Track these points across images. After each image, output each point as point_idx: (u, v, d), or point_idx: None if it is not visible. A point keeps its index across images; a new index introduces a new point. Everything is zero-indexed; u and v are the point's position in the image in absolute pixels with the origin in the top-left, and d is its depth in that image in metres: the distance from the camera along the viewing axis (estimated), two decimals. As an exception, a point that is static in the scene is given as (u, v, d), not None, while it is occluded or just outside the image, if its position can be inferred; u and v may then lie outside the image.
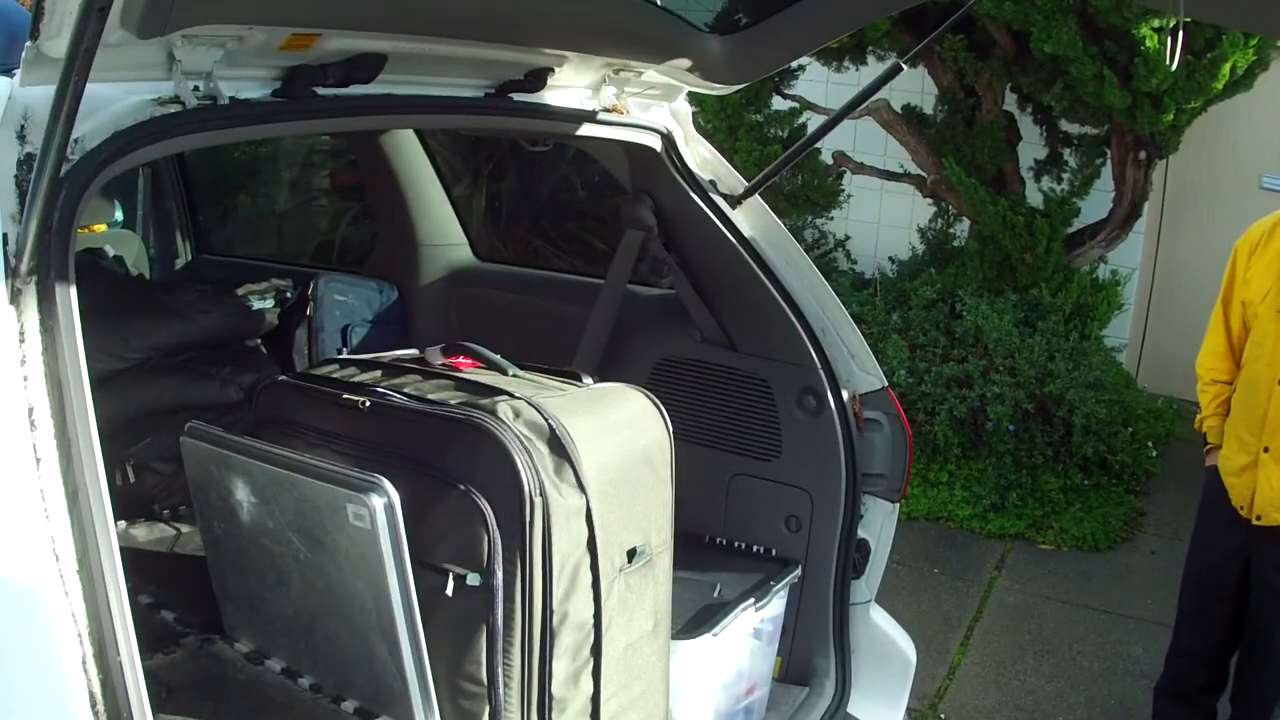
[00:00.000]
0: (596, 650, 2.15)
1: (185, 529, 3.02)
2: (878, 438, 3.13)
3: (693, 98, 3.15)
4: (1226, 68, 6.42)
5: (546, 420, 2.04)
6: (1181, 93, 6.45)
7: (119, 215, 4.83)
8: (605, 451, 2.12)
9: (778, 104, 7.96)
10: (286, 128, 2.24)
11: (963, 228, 8.17)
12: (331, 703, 2.16)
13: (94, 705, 1.49)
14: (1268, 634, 3.89)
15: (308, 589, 2.12)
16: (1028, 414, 6.69)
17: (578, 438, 2.04)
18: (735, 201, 3.10)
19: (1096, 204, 7.70)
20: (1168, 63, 5.59)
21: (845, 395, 3.08)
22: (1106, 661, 5.13)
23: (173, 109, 1.83)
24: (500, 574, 1.97)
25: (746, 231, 3.08)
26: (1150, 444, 7.30)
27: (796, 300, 3.07)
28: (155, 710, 1.60)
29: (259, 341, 3.62)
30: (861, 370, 3.13)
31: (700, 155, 3.13)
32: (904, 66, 2.93)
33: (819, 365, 3.05)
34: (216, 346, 3.42)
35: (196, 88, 1.88)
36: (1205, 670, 4.16)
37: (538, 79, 2.59)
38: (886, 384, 3.15)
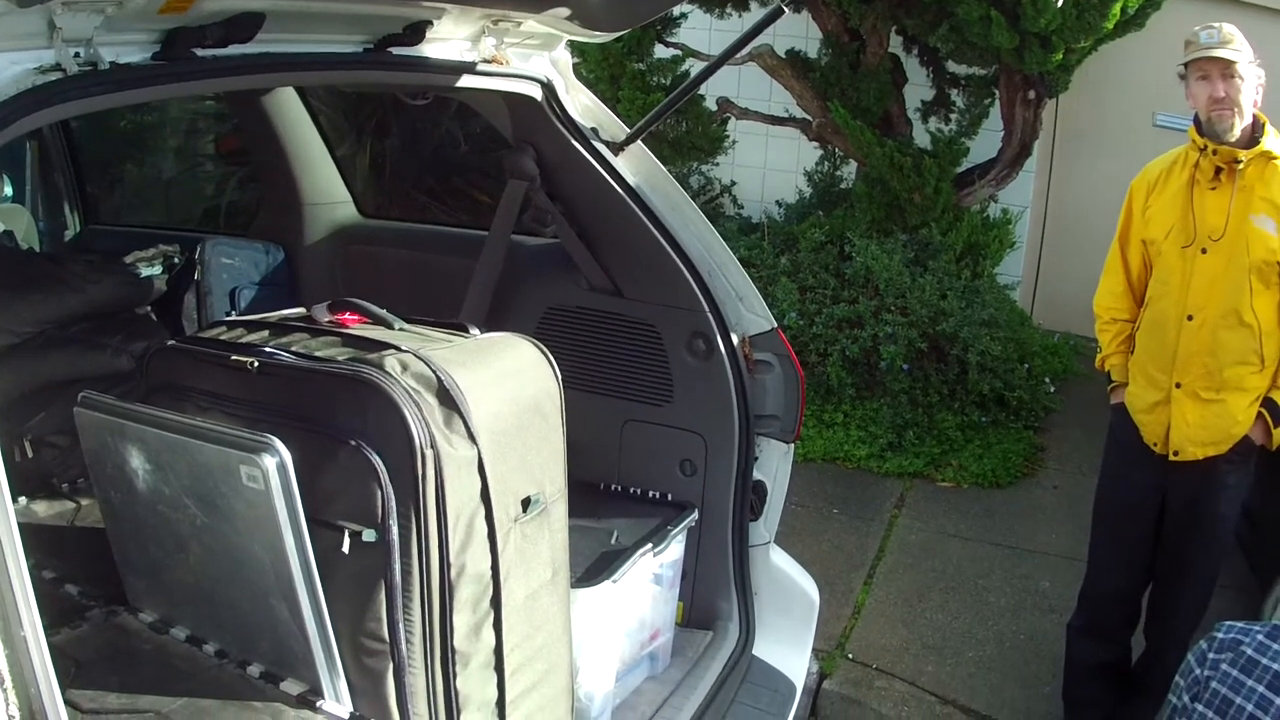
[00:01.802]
0: (496, 602, 2.20)
1: (85, 502, 3.05)
2: (769, 379, 3.20)
3: (575, 48, 3.17)
4: (1117, 7, 6.56)
5: (434, 372, 2.08)
6: (1071, 32, 6.57)
7: (8, 190, 4.79)
8: (495, 401, 2.16)
9: (660, 52, 7.99)
10: (168, 90, 2.25)
11: (850, 170, 8.28)
12: (237, 668, 2.19)
13: (1, 683, 1.51)
14: (1182, 567, 4.03)
15: (206, 554, 2.15)
16: (921, 353, 6.83)
17: (466, 388, 2.09)
18: (618, 149, 3.14)
19: (986, 144, 7.83)
20: (1056, 3, 5.64)
21: (735, 338, 3.14)
22: (1013, 596, 5.24)
23: (54, 76, 1.84)
24: (395, 529, 2.01)
25: (630, 178, 3.13)
26: (1048, 380, 7.48)
27: (682, 245, 3.13)
28: (64, 686, 1.62)
29: (149, 309, 3.65)
30: (750, 313, 3.19)
31: (581, 104, 3.17)
32: (785, 10, 2.98)
33: (707, 309, 3.12)
34: (107, 316, 3.43)
35: (77, 54, 1.89)
36: (1121, 607, 4.27)
37: (416, 32, 2.60)
38: (776, 325, 3.22)
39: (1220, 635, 1.55)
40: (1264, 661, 1.45)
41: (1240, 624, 1.55)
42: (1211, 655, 1.55)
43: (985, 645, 4.86)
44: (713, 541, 3.23)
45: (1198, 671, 1.58)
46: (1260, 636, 1.48)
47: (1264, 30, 8.75)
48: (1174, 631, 4.02)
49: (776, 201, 8.79)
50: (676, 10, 7.18)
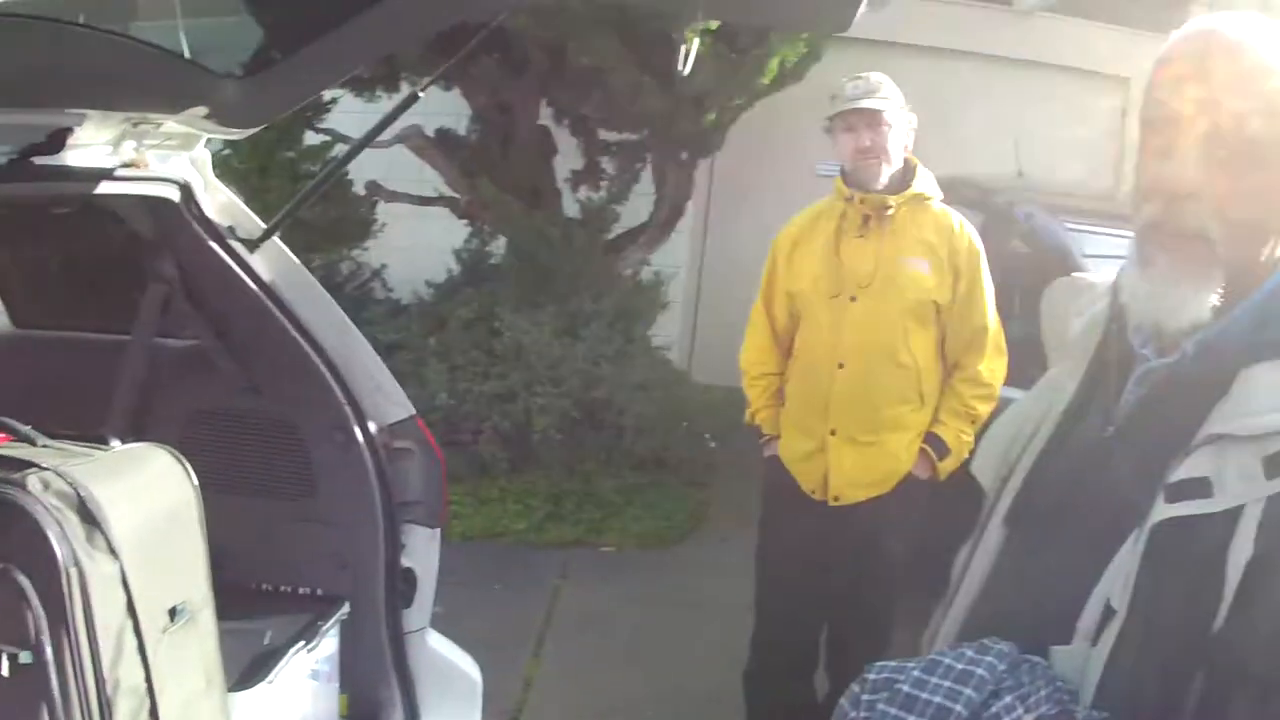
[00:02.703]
0: (154, 713, 2.21)
1: None
2: (410, 466, 3.27)
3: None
4: (775, 62, 6.88)
5: (74, 488, 2.09)
6: (725, 91, 6.84)
7: None
8: (133, 514, 2.19)
9: (310, 139, 7.99)
10: None
11: (500, 246, 8.41)
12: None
13: None
14: (856, 607, 4.20)
15: None
16: (576, 421, 6.97)
17: (105, 503, 2.11)
18: (254, 246, 3.18)
19: (639, 207, 8.09)
20: (680, 69, 5.85)
21: (373, 428, 3.21)
22: (690, 652, 5.32)
23: None
24: (49, 649, 2.00)
25: (266, 275, 3.16)
26: (708, 436, 7.71)
27: (318, 339, 3.18)
28: None
29: None
30: (388, 401, 3.27)
31: (219, 202, 3.18)
32: (420, 95, 3.13)
33: (344, 402, 3.17)
34: None
35: None
36: (794, 652, 4.37)
37: (58, 140, 2.59)
38: (414, 413, 3.31)
39: (872, 676, 1.58)
40: (924, 696, 1.50)
41: (892, 663, 1.58)
42: (865, 697, 1.57)
43: (666, 702, 4.95)
44: (367, 632, 3.27)
45: (852, 715, 1.59)
46: (916, 673, 1.53)
47: (925, 67, 9.54)
48: (853, 670, 4.07)
49: (426, 282, 8.84)
50: (327, 95, 7.20)
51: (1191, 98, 1.49)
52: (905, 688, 1.52)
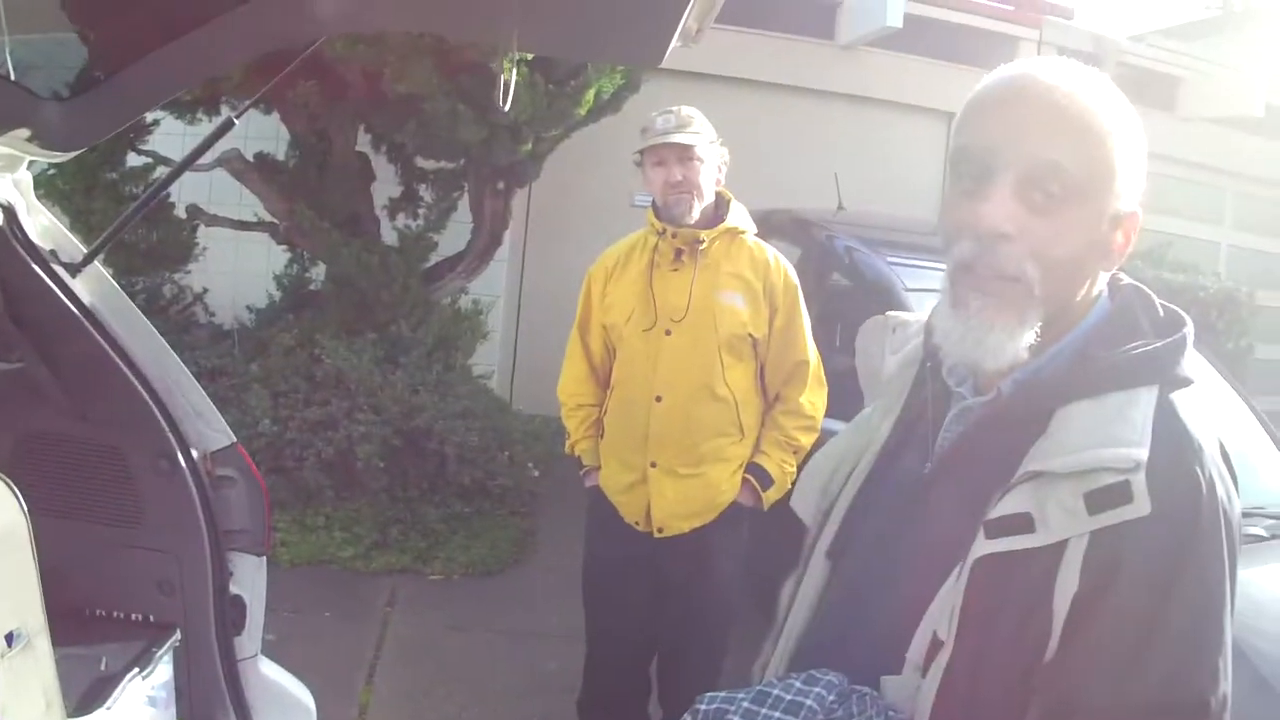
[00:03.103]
0: None
1: None
2: (233, 494, 3.25)
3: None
4: (591, 94, 6.94)
5: None
6: (542, 122, 6.86)
7: None
8: None
9: (132, 160, 7.83)
10: None
11: (319, 272, 8.35)
12: None
13: None
14: (686, 635, 4.23)
15: None
16: (398, 450, 6.95)
17: None
18: (75, 270, 3.13)
19: (456, 236, 8.11)
20: (500, 104, 5.86)
21: (196, 455, 3.19)
22: (521, 680, 5.34)
23: None
24: None
25: (87, 300, 3.12)
26: (531, 465, 7.71)
27: (140, 365, 3.15)
28: None
29: None
30: (210, 428, 3.25)
31: (41, 225, 3.13)
32: (234, 122, 3.12)
33: (167, 428, 3.15)
34: None
35: None
36: (624, 679, 4.40)
37: None
38: (235, 440, 3.29)
39: (703, 707, 1.57)
40: None
41: (722, 694, 1.58)
42: None
43: (500, 731, 4.93)
44: (200, 659, 3.24)
45: None
46: (746, 703, 1.52)
47: (746, 100, 9.73)
48: (685, 698, 4.01)
49: (248, 307, 8.75)
50: (149, 116, 7.04)
51: (1003, 139, 1.50)
52: (735, 719, 1.53)
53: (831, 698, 1.52)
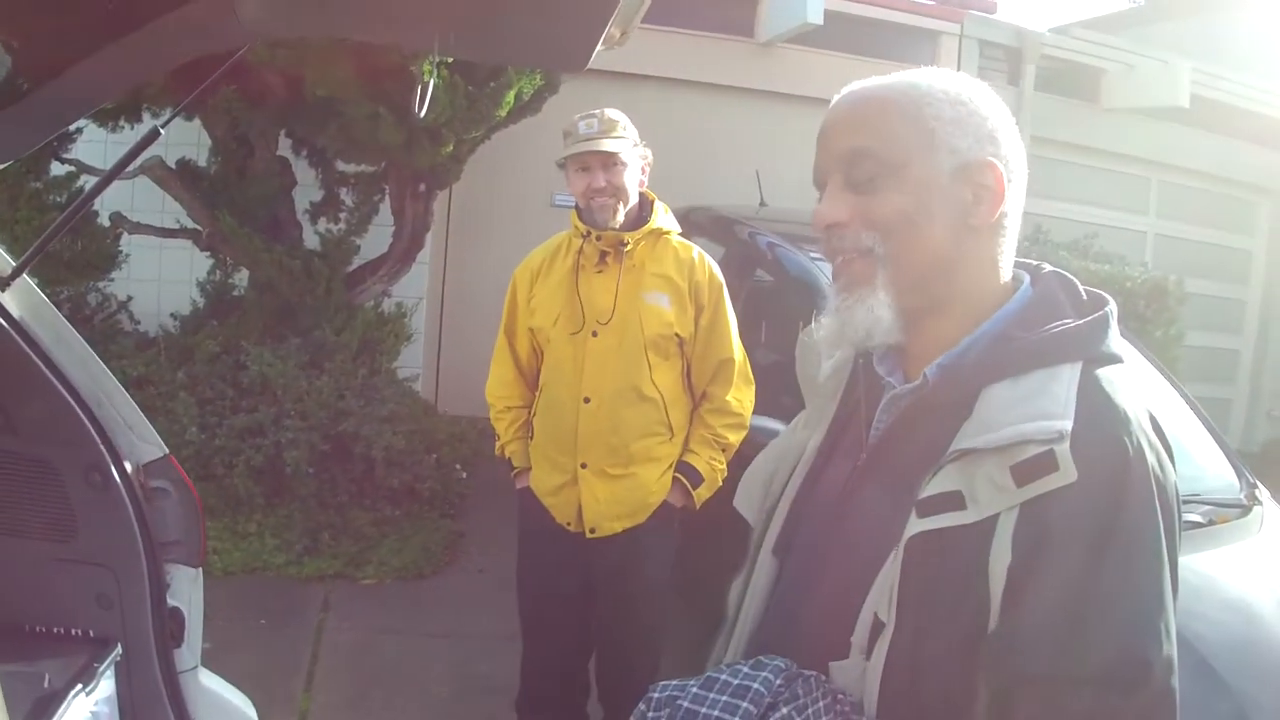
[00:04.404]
0: None
1: None
2: (167, 505, 3.22)
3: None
4: (511, 95, 6.92)
5: None
6: (462, 124, 6.84)
7: None
8: None
9: (56, 169, 7.72)
10: None
11: (243, 278, 8.30)
12: None
13: None
14: (621, 635, 4.25)
15: None
16: (326, 455, 6.94)
17: None
18: (3, 284, 3.08)
19: (378, 239, 8.08)
20: (417, 110, 5.85)
21: (129, 467, 3.16)
22: (457, 684, 5.35)
23: None
24: None
25: (16, 313, 3.08)
26: (459, 466, 7.73)
27: (70, 378, 3.12)
28: None
29: None
30: (141, 440, 3.21)
31: None
32: (160, 131, 3.09)
33: (99, 441, 3.11)
34: None
35: None
36: (561, 680, 4.41)
37: None
38: (167, 452, 3.25)
39: (655, 695, 1.60)
40: (702, 710, 1.53)
41: (675, 681, 1.61)
42: (651, 714, 1.59)
43: (441, 734, 4.89)
44: (142, 673, 3.21)
45: None
46: (695, 689, 1.56)
47: (666, 99, 9.73)
48: (625, 696, 3.93)
49: (172, 314, 8.66)
50: (72, 125, 6.95)
51: (822, 150, 1.65)
52: (685, 703, 1.56)
53: (778, 681, 1.55)
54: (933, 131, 1.58)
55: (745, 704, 1.53)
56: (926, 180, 1.58)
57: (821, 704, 1.54)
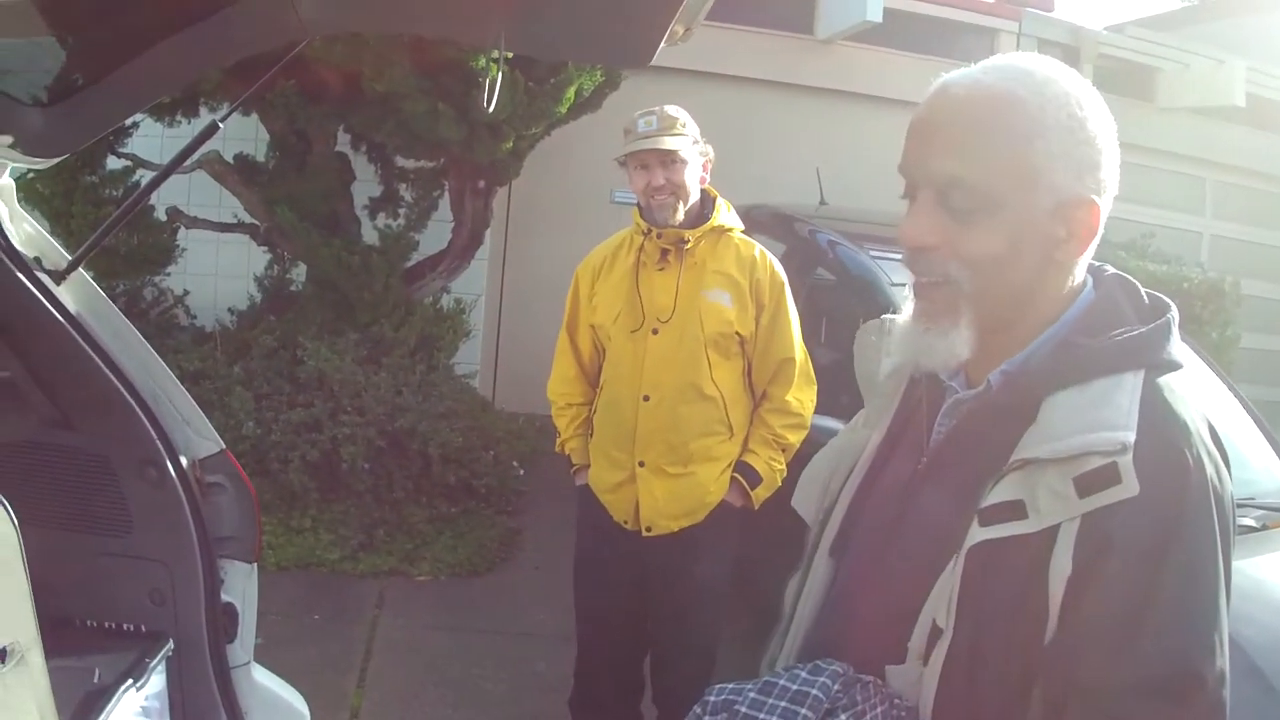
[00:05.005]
0: None
1: None
2: (223, 501, 3.23)
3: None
4: (571, 91, 6.92)
5: None
6: (522, 120, 6.84)
7: None
8: None
9: (112, 163, 7.80)
10: None
11: (300, 273, 8.34)
12: None
13: None
14: (677, 634, 4.19)
15: None
16: (382, 451, 6.93)
17: None
18: (60, 278, 3.10)
19: (437, 235, 8.11)
20: (485, 105, 5.80)
21: (185, 463, 3.16)
22: (511, 681, 5.32)
23: None
24: None
25: (72, 307, 3.09)
26: (516, 464, 7.72)
27: (126, 372, 3.12)
28: None
29: None
30: (198, 436, 3.22)
31: (25, 232, 3.10)
32: (220, 126, 3.09)
33: (155, 436, 3.11)
34: None
35: None
36: (616, 678, 4.39)
37: None
38: (224, 447, 3.26)
39: (712, 699, 1.59)
40: (760, 716, 1.52)
41: (731, 685, 1.60)
42: (707, 718, 1.58)
43: (493, 732, 4.89)
44: (193, 669, 3.21)
45: None
46: (752, 694, 1.55)
47: (726, 96, 9.70)
48: (680, 697, 3.92)
49: (229, 309, 8.72)
50: (128, 120, 7.00)
51: (914, 158, 1.57)
52: (743, 708, 1.55)
53: (836, 687, 1.55)
54: (1037, 170, 1.51)
55: (804, 710, 1.52)
56: (1022, 221, 1.53)
57: (879, 710, 1.53)
